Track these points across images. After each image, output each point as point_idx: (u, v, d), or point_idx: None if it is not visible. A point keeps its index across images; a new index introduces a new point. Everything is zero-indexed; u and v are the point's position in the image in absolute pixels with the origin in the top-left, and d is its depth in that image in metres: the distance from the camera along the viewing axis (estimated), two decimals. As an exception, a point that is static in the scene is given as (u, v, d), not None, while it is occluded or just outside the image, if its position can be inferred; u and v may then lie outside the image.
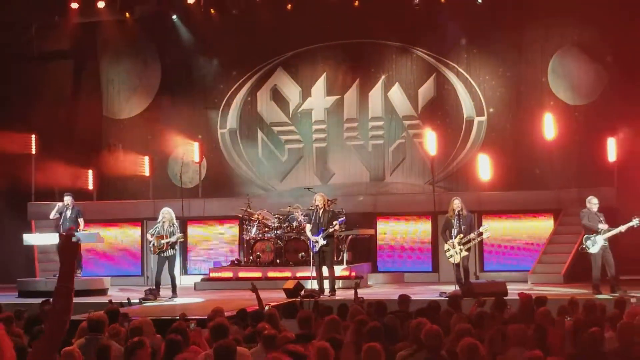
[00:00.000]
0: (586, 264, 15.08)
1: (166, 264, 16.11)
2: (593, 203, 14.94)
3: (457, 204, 15.20)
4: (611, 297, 12.73)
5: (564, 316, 9.50)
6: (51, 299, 3.59)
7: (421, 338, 7.06)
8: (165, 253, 16.04)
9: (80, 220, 17.30)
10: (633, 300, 11.76)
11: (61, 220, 17.29)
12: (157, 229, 16.12)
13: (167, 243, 15.96)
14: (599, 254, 14.61)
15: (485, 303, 10.89)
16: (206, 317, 9.87)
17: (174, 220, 16.29)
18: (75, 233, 16.51)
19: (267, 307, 10.51)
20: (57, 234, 16.44)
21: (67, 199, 17.33)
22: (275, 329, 8.08)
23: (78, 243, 3.72)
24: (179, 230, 16.33)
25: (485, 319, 9.06)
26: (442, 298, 13.19)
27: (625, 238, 14.96)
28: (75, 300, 13.38)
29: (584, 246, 14.83)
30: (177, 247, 16.37)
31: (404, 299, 11.12)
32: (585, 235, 14.87)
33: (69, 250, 3.64)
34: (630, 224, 14.51)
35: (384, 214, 19.66)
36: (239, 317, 10.22)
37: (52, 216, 17.68)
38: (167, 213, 16.27)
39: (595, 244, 14.63)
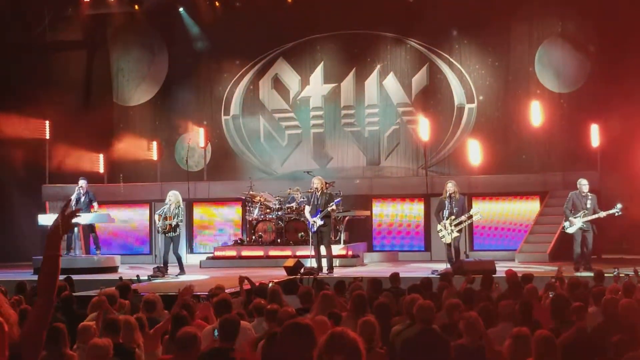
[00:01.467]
0: (570, 244, 15.09)
1: (171, 244, 16.07)
2: (583, 184, 14.86)
3: (449, 187, 15.11)
4: (586, 275, 12.73)
5: (549, 292, 9.50)
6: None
7: (414, 313, 7.05)
8: (168, 234, 15.98)
9: (95, 204, 17.19)
10: (615, 272, 11.62)
11: (77, 204, 17.14)
12: (164, 210, 16.07)
13: (170, 225, 15.89)
14: (578, 233, 14.63)
15: (474, 280, 10.88)
16: (207, 293, 9.90)
17: (180, 203, 16.21)
18: (89, 214, 16.60)
19: (270, 284, 10.51)
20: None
21: (82, 182, 17.13)
22: (279, 304, 8.09)
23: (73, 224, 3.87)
24: (182, 214, 16.24)
25: (474, 295, 9.06)
26: (434, 276, 13.18)
27: (616, 220, 14.86)
28: (89, 277, 13.31)
29: (563, 226, 14.89)
30: (179, 229, 16.18)
31: (395, 276, 11.15)
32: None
33: (66, 225, 3.80)
34: (612, 211, 14.47)
35: (379, 196, 19.66)
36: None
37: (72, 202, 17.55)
38: (173, 196, 16.18)
39: (573, 225, 14.64)
